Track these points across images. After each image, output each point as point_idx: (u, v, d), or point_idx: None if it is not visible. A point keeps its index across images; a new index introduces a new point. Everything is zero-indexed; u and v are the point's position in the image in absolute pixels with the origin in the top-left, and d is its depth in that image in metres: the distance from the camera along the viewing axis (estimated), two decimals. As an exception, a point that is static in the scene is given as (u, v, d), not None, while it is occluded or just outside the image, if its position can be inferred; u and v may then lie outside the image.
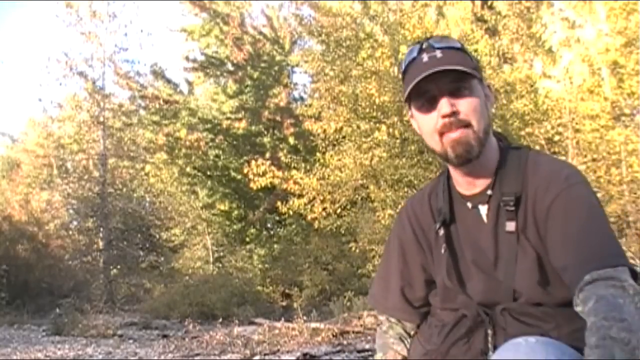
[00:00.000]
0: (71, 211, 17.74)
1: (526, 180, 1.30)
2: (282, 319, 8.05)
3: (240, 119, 15.02)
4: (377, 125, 9.89)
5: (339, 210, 10.27)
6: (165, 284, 14.77)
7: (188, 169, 15.65)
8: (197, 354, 6.77)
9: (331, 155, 10.45)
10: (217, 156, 15.60)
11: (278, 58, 15.56)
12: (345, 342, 6.40)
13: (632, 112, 7.54)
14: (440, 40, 1.31)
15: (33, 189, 18.59)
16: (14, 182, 20.13)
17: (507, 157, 1.33)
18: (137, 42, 30.54)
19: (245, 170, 11.63)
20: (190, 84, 16.92)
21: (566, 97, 7.68)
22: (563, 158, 6.95)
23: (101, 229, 16.18)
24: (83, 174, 17.25)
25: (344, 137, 10.32)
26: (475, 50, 9.16)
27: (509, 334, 1.23)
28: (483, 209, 1.34)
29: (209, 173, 15.66)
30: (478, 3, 10.24)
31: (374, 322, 6.42)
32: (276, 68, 15.60)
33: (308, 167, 11.12)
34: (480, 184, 1.34)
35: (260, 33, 15.64)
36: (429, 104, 1.28)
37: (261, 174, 11.21)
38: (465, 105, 1.26)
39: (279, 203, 11.48)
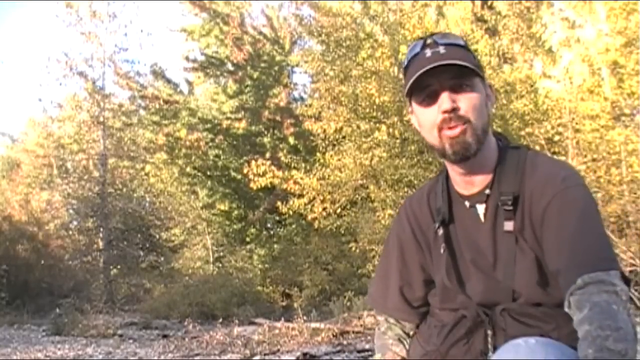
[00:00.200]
0: (71, 211, 17.74)
1: (524, 180, 1.29)
2: (282, 319, 8.05)
3: (240, 119, 15.02)
4: (377, 125, 9.89)
5: (339, 210, 10.27)
6: (165, 284, 14.77)
7: (188, 169, 15.65)
8: (197, 354, 6.77)
9: (331, 155, 10.45)
10: (217, 156, 15.60)
11: (278, 58, 15.56)
12: (345, 342, 6.40)
13: (632, 112, 7.53)
14: (444, 36, 1.31)
15: (33, 189, 18.60)
16: (14, 182, 20.14)
17: (505, 157, 1.33)
18: (137, 42, 30.53)
19: (245, 170, 11.62)
20: (190, 84, 16.92)
21: (566, 97, 7.68)
22: (563, 158, 6.97)
23: (101, 229, 16.18)
24: (83, 174, 17.25)
25: (344, 137, 10.32)
26: (475, 50, 9.12)
27: (509, 334, 1.23)
28: (480, 208, 1.33)
29: (209, 173, 15.66)
30: (478, 3, 10.24)
31: (374, 322, 6.41)
32: (276, 68, 15.60)
33: (308, 167, 11.12)
34: (479, 184, 1.33)
35: (260, 33, 15.64)
36: (429, 99, 1.28)
37: (261, 174, 11.21)
38: (466, 102, 1.26)
39: (279, 203, 11.48)
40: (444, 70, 1.23)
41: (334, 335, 6.66)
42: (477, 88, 1.28)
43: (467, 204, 1.35)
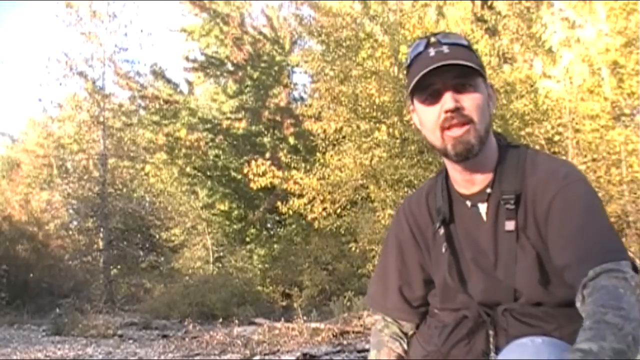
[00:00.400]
0: (71, 211, 17.74)
1: (525, 178, 1.29)
2: (282, 319, 8.05)
3: (240, 119, 15.02)
4: (377, 125, 9.89)
5: (339, 210, 10.27)
6: (165, 284, 14.77)
7: (188, 169, 15.65)
8: (197, 354, 6.77)
9: (331, 155, 10.45)
10: (217, 156, 15.60)
11: (278, 58, 15.56)
12: (345, 342, 6.40)
13: (632, 112, 7.54)
14: (447, 36, 1.31)
15: (33, 189, 18.59)
16: (14, 182, 20.13)
17: (506, 156, 1.33)
18: (137, 42, 30.49)
19: (245, 170, 11.62)
20: (190, 84, 16.92)
21: (566, 97, 7.68)
22: (563, 158, 6.96)
23: (101, 229, 16.18)
24: (83, 174, 17.25)
25: (344, 137, 10.32)
26: (475, 50, 9.16)
27: (511, 334, 1.23)
28: (482, 207, 1.33)
29: (209, 173, 15.66)
30: (478, 3, 10.24)
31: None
32: (276, 68, 15.60)
33: (308, 167, 11.12)
34: (479, 183, 1.33)
35: (260, 33, 15.64)
36: (432, 98, 1.27)
37: (261, 174, 11.21)
38: (469, 102, 1.25)
39: (279, 203, 11.48)
40: (448, 69, 1.23)
41: (334, 335, 6.66)
42: (480, 88, 1.28)
43: (468, 203, 1.35)
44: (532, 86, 8.53)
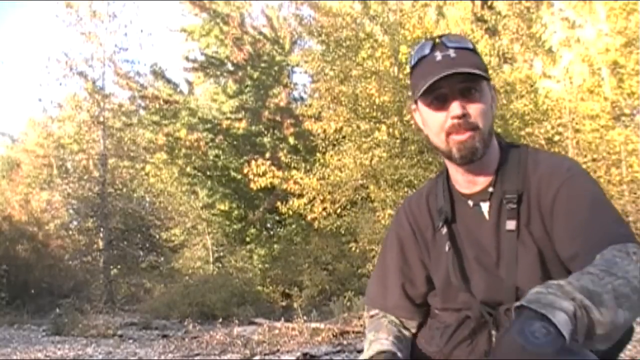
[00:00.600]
0: (71, 211, 17.74)
1: (527, 177, 1.30)
2: (282, 319, 8.05)
3: (240, 119, 15.02)
4: (377, 125, 9.89)
5: (339, 210, 10.27)
6: (165, 284, 14.78)
7: (188, 169, 15.65)
8: (197, 354, 6.76)
9: (331, 155, 10.45)
10: (217, 156, 15.60)
11: (278, 58, 15.56)
12: (345, 342, 6.39)
13: (632, 112, 7.54)
14: (453, 39, 1.31)
15: (33, 189, 18.59)
16: (14, 182, 20.13)
17: (507, 156, 1.34)
18: (137, 42, 30.64)
19: (245, 170, 11.63)
20: (190, 84, 16.93)
21: (566, 97, 7.69)
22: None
23: (101, 229, 16.18)
24: (83, 174, 17.24)
25: (344, 137, 10.32)
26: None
27: None
28: (484, 207, 1.34)
29: (209, 173, 15.66)
30: (478, 3, 10.25)
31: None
32: (276, 68, 15.60)
33: (308, 167, 11.12)
34: (481, 182, 1.34)
35: (260, 33, 15.64)
36: (438, 102, 1.28)
37: (261, 174, 11.21)
38: (475, 108, 1.26)
39: (279, 203, 11.48)
40: (455, 75, 1.24)
41: (334, 335, 6.66)
42: (485, 92, 1.29)
43: (470, 203, 1.35)
44: (532, 86, 8.54)
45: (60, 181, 17.91)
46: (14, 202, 17.27)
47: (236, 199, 15.57)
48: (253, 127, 15.22)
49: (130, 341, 8.60)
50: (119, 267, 16.88)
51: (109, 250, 15.99)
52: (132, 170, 17.79)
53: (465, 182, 1.36)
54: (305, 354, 5.80)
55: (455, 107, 1.25)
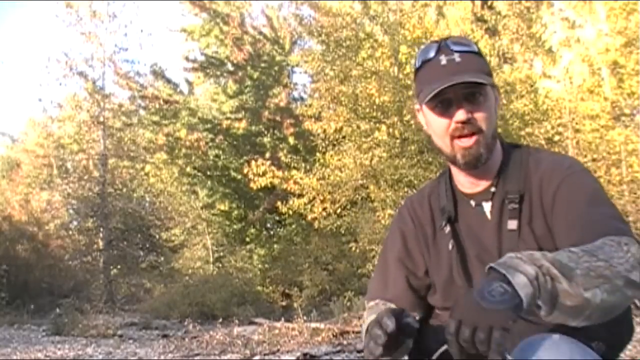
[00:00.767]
0: (71, 211, 17.75)
1: (529, 177, 1.31)
2: (282, 319, 8.05)
3: (240, 119, 15.01)
4: (377, 125, 9.89)
5: (339, 210, 10.27)
6: (165, 284, 14.79)
7: (188, 169, 15.64)
8: (197, 354, 6.76)
9: (331, 155, 10.45)
10: (217, 156, 15.60)
11: (278, 58, 15.56)
12: (345, 342, 6.39)
13: (632, 112, 7.54)
14: (458, 42, 1.31)
15: (33, 189, 18.59)
16: (14, 182, 20.14)
17: (509, 156, 1.36)
18: (137, 42, 30.61)
19: (245, 170, 11.63)
20: (190, 84, 16.93)
21: (566, 97, 7.69)
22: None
23: (101, 229, 16.18)
24: (83, 174, 17.25)
25: (344, 137, 10.32)
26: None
27: (515, 334, 1.22)
28: (487, 206, 1.35)
29: (209, 173, 15.66)
30: (478, 3, 10.25)
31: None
32: (276, 68, 15.60)
33: (308, 167, 11.12)
34: (484, 183, 1.35)
35: (260, 33, 15.64)
36: (442, 106, 1.29)
37: (261, 174, 11.21)
38: (480, 113, 1.28)
39: (279, 203, 11.48)
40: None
41: (334, 335, 6.66)
42: (489, 97, 1.30)
43: (472, 202, 1.36)
44: (532, 86, 8.54)
45: (60, 181, 17.91)
46: (14, 202, 17.27)
47: (236, 199, 15.57)
48: (253, 127, 15.21)
49: (130, 341, 8.60)
50: (119, 267, 16.88)
51: (109, 250, 15.99)
52: (132, 170, 17.79)
53: (467, 182, 1.37)
54: (305, 354, 5.80)
55: (460, 114, 1.26)
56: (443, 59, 1.28)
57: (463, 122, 1.26)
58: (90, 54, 16.45)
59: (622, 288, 1.07)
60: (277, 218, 14.39)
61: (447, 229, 1.37)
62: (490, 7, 10.06)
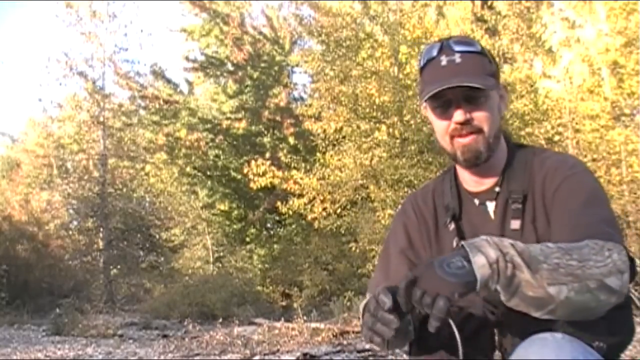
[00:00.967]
0: (71, 211, 17.73)
1: (533, 177, 1.32)
2: (282, 319, 8.05)
3: (240, 119, 15.02)
4: (377, 125, 9.89)
5: (339, 210, 10.27)
6: (165, 284, 14.78)
7: (188, 169, 15.65)
8: (197, 354, 6.76)
9: (331, 155, 10.45)
10: (217, 156, 15.60)
11: (278, 58, 15.56)
12: (345, 342, 6.39)
13: (632, 112, 7.55)
14: (460, 42, 1.31)
15: (33, 189, 18.59)
16: (14, 182, 20.14)
17: (514, 156, 1.36)
18: (137, 42, 30.57)
19: (245, 170, 11.63)
20: (190, 84, 16.93)
21: (566, 97, 7.69)
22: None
23: (101, 229, 16.18)
24: (83, 174, 17.25)
25: (344, 137, 10.32)
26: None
27: (515, 333, 1.22)
28: (490, 206, 1.35)
29: (209, 173, 15.66)
30: (478, 3, 10.25)
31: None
32: (276, 68, 15.60)
33: (308, 167, 11.12)
34: (488, 182, 1.36)
35: (260, 33, 15.64)
36: (443, 108, 1.30)
37: (261, 174, 11.21)
38: (479, 114, 1.28)
39: (279, 203, 11.48)
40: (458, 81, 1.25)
41: (334, 335, 6.66)
42: (491, 96, 1.30)
43: (476, 201, 1.37)
44: (532, 86, 8.54)
45: (60, 181, 17.91)
46: (14, 202, 17.27)
47: (236, 199, 15.57)
48: (253, 127, 15.21)
49: (130, 341, 8.60)
50: (119, 267, 16.87)
51: (109, 250, 15.99)
52: (132, 170, 17.78)
53: (472, 180, 1.38)
54: (305, 354, 5.80)
55: (458, 115, 1.27)
56: (443, 60, 1.28)
57: (462, 123, 1.27)
58: (90, 54, 16.48)
59: (594, 290, 1.07)
60: (277, 218, 14.39)
61: (452, 226, 1.37)
62: (490, 7, 10.06)
